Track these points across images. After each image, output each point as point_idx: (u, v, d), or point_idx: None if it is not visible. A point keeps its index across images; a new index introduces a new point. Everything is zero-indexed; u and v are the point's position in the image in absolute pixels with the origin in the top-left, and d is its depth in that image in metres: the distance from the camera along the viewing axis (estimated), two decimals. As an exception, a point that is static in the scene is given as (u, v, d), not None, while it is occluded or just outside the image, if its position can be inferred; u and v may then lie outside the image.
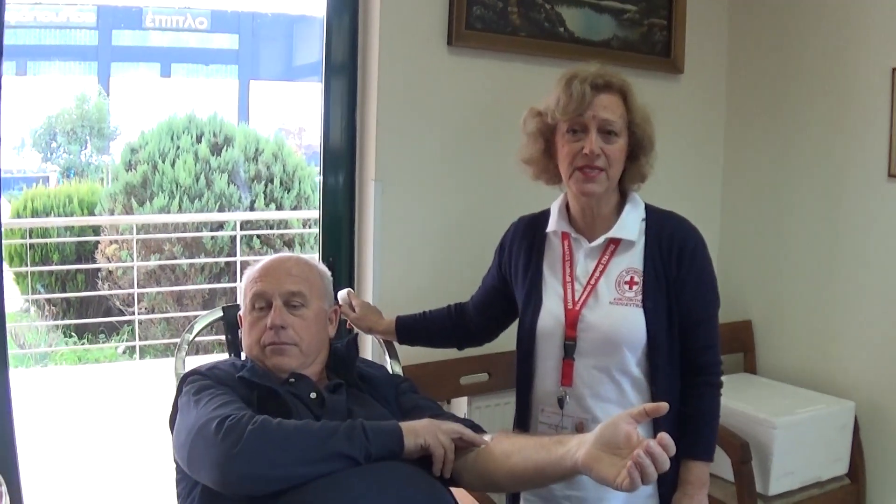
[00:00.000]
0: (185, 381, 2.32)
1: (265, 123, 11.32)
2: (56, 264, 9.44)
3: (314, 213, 9.03)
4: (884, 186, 3.79)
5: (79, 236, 9.43)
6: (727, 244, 4.50)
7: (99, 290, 9.39)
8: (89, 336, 9.26)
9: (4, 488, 2.71)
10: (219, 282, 9.01)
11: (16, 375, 3.31)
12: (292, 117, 12.85)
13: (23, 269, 9.23)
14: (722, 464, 3.58)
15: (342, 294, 2.92)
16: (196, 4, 15.50)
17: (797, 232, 4.20)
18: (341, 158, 3.60)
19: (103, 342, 9.23)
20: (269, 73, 15.45)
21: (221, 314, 2.79)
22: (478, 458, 2.25)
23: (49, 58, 14.92)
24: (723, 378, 2.59)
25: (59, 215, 9.75)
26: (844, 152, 3.96)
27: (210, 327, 2.85)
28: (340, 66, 3.55)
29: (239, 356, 2.71)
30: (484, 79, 3.69)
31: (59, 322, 9.30)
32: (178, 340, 2.76)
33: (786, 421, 3.62)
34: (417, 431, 2.19)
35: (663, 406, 1.93)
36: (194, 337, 2.76)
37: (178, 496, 2.25)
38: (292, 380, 2.35)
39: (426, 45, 3.56)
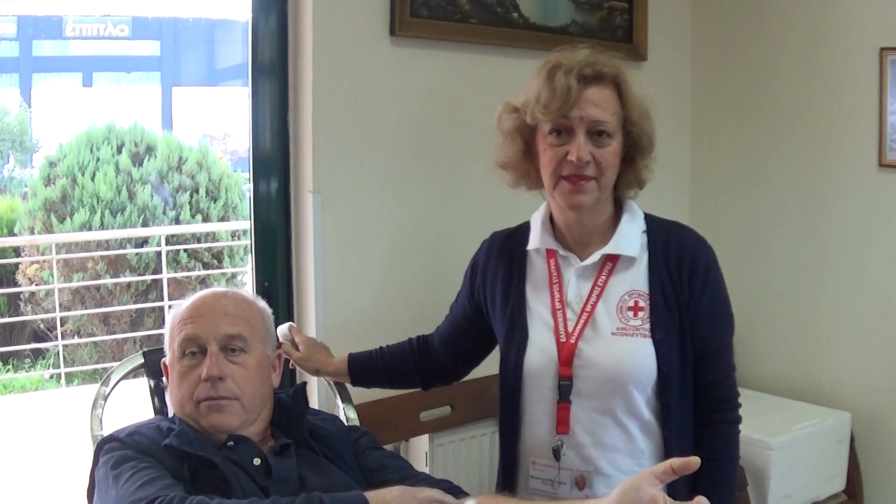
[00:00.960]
0: (101, 449, 1.99)
1: (189, 130, 11.53)
2: (-27, 288, 9.32)
3: (243, 224, 8.98)
4: (874, 177, 3.68)
5: None
6: None
7: (21, 313, 9.22)
8: (14, 362, 9.04)
9: None
10: (146, 300, 8.94)
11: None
12: (216, 123, 13.00)
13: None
14: None
15: (283, 329, 2.63)
16: (116, 11, 15.60)
17: (776, 228, 4.08)
18: (273, 166, 3.34)
19: (29, 369, 9.03)
20: (191, 78, 15.70)
21: (142, 360, 2.46)
22: None
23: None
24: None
25: (-24, 235, 9.69)
26: (828, 140, 3.84)
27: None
28: (269, 67, 3.32)
29: (164, 404, 2.38)
30: (433, 72, 3.46)
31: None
32: (107, 365, 2.43)
33: (782, 441, 3.46)
34: (388, 503, 1.87)
35: (694, 461, 1.67)
36: (111, 391, 2.43)
37: None
38: (231, 443, 2.03)
39: (366, 38, 3.30)
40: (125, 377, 2.47)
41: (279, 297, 3.25)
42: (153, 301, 8.81)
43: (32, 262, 9.14)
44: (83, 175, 9.04)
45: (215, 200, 9.42)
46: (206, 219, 9.34)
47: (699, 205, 4.33)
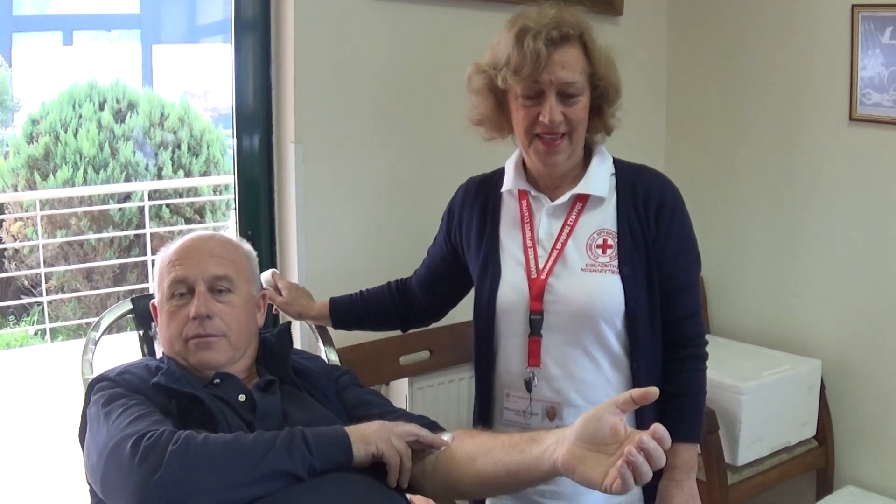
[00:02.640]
0: (92, 388, 2.08)
1: (169, 87, 11.36)
2: (-41, 245, 9.33)
3: (225, 179, 9.07)
4: (845, 131, 3.75)
5: None
6: None
7: (6, 270, 9.26)
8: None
9: None
10: (128, 255, 8.95)
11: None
12: (197, 80, 12.84)
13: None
14: None
15: (266, 276, 2.72)
16: (96, -31, 15.48)
17: (750, 180, 4.15)
18: (256, 120, 3.41)
19: (13, 325, 9.12)
20: (171, 36, 15.44)
21: (130, 306, 2.55)
22: (438, 463, 2.07)
23: (-54, 30, 14.75)
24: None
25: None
26: (801, 95, 3.91)
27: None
28: (251, 22, 3.37)
29: (153, 353, 2.48)
30: (412, 26, 3.52)
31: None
32: (91, 320, 2.51)
33: (752, 386, 3.56)
34: (368, 437, 1.99)
35: (653, 391, 1.75)
36: (101, 336, 2.51)
37: None
38: (217, 380, 2.12)
39: None
40: (114, 323, 2.54)
41: (262, 246, 3.31)
42: (136, 256, 8.83)
43: (16, 220, 9.15)
44: (66, 132, 9.04)
45: (197, 156, 9.44)
46: (188, 174, 9.36)
47: (674, 157, 4.39)
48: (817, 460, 3.85)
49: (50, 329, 8.41)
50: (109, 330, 2.50)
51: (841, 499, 3.72)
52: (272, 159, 3.42)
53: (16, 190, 9.11)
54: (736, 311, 4.26)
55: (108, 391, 2.01)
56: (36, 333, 8.88)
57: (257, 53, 3.37)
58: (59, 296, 8.83)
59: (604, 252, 2.36)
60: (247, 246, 2.38)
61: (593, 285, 2.34)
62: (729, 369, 3.65)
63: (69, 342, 8.31)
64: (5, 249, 9.24)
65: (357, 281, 2.88)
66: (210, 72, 12.20)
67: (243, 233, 3.28)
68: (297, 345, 2.99)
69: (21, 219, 9.13)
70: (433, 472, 2.05)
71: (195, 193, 9.25)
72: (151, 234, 8.47)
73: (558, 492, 2.40)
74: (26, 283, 9.10)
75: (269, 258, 3.37)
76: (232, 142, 3.47)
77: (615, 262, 2.35)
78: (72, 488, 3.80)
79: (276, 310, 2.77)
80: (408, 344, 3.36)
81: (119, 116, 9.29)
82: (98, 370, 2.22)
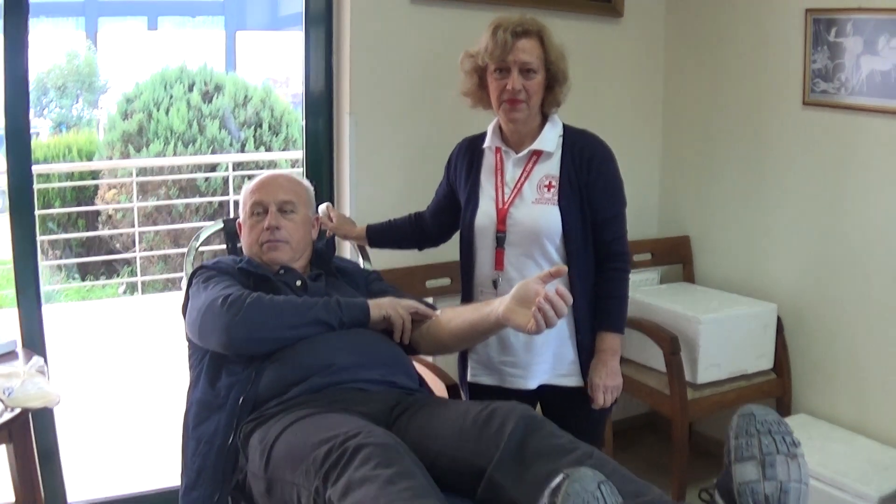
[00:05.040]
0: (194, 274, 2.79)
1: (252, 73, 11.23)
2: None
3: (300, 154, 8.91)
4: (799, 113, 4.15)
5: (79, 182, 9.58)
6: (668, 170, 4.90)
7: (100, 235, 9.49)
8: (91, 277, 9.47)
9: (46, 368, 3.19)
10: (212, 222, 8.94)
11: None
12: (278, 67, 12.68)
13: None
14: (655, 356, 4.02)
15: (322, 207, 3.32)
16: (182, -43, 15.38)
17: (728, 157, 4.56)
18: (321, 101, 3.99)
19: (104, 285, 9.43)
20: (254, 23, 15.27)
21: (223, 225, 3.22)
22: (430, 328, 2.76)
23: (37, 15, 14.24)
24: (633, 273, 3.12)
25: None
26: (766, 85, 4.30)
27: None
28: (319, 16, 3.93)
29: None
30: (442, 26, 4.04)
31: (65, 262, 9.45)
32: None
33: (710, 318, 4.03)
34: (381, 305, 2.71)
35: (562, 269, 2.43)
36: (199, 244, 3.19)
37: (191, 368, 2.73)
38: (282, 271, 2.81)
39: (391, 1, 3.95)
40: (210, 237, 3.23)
41: (323, 190, 3.88)
42: (221, 222, 8.94)
43: (110, 188, 9.44)
44: (158, 110, 9.37)
45: (277, 135, 9.71)
46: (269, 151, 9.60)
47: (670, 140, 4.88)
48: (775, 389, 4.23)
49: (141, 282, 8.65)
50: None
51: (794, 424, 3.51)
52: (332, 126, 3.99)
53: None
54: (716, 264, 4.66)
55: (206, 273, 2.75)
56: (125, 291, 9.24)
57: (323, 44, 3.94)
58: (150, 252, 9.02)
59: (549, 190, 2.98)
60: (307, 182, 3.06)
61: (539, 213, 2.96)
62: (694, 306, 4.13)
63: (156, 294, 8.72)
64: (100, 214, 9.52)
65: (390, 215, 3.44)
66: (291, 59, 12.19)
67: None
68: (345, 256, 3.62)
69: (114, 186, 9.41)
70: (426, 335, 2.77)
71: (274, 167, 9.21)
72: (234, 202, 8.32)
73: (516, 361, 3.04)
74: (118, 246, 9.42)
75: (327, 196, 3.95)
76: (301, 111, 4.02)
77: (556, 198, 2.96)
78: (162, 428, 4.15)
79: (329, 232, 3.29)
80: (433, 271, 3.96)
81: (206, 97, 9.60)
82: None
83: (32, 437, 3.05)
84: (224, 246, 3.22)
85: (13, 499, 3.09)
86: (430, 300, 3.47)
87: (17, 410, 2.84)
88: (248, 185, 2.99)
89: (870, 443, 3.89)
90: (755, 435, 1.78)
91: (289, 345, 2.56)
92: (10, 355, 3.23)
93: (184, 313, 2.77)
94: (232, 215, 8.50)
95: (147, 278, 8.82)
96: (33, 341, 3.46)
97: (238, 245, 3.09)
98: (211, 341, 2.58)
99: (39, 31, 13.07)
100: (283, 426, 2.31)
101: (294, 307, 2.60)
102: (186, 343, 2.78)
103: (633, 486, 2.00)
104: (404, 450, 2.09)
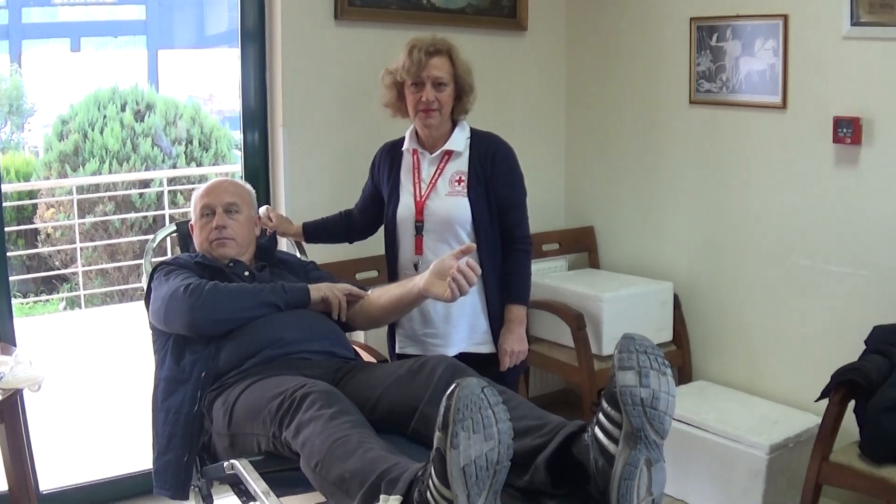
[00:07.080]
0: (156, 269, 3.09)
1: (175, 91, 11.00)
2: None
3: (232, 168, 8.94)
4: (687, 111, 4.48)
5: (17, 202, 9.49)
6: (572, 166, 5.23)
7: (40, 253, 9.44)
8: (32, 294, 9.48)
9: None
10: (149, 235, 8.64)
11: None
12: (201, 84, 12.23)
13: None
14: (564, 333, 4.34)
15: (262, 210, 3.56)
16: (103, -22, 15.18)
17: (626, 153, 4.84)
18: (257, 114, 4.26)
19: (45, 302, 9.45)
20: (177, 41, 14.46)
21: (175, 228, 3.50)
22: (362, 306, 3.12)
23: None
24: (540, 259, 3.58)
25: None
26: (657, 86, 4.61)
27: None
28: (253, 35, 4.18)
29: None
30: (364, 44, 4.29)
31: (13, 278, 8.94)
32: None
33: (611, 296, 4.37)
34: (320, 288, 3.07)
35: (472, 246, 2.80)
36: (156, 244, 3.51)
37: (155, 352, 3.04)
38: (231, 264, 3.14)
39: (318, 19, 4.20)
40: (164, 238, 3.54)
41: (261, 193, 4.01)
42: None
43: (49, 207, 9.44)
44: (93, 130, 9.37)
45: (207, 150, 9.80)
46: (199, 166, 9.64)
47: (573, 138, 5.15)
48: (675, 359, 4.47)
49: (83, 297, 8.64)
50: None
51: (693, 388, 4.38)
52: (267, 137, 4.28)
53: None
54: (618, 251, 4.95)
55: (166, 268, 3.06)
56: (65, 307, 9.24)
57: (256, 60, 4.20)
58: (90, 267, 8.99)
59: (459, 184, 3.34)
60: (249, 186, 3.38)
61: (452, 204, 3.32)
62: (597, 287, 4.48)
63: (96, 308, 8.79)
64: (38, 234, 9.47)
65: (322, 213, 3.73)
66: (214, 77, 12.10)
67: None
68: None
69: (53, 205, 9.40)
70: (359, 312, 3.13)
71: (206, 181, 9.02)
72: (169, 216, 8.68)
73: (436, 332, 3.37)
74: (57, 263, 9.44)
75: (265, 200, 4.17)
76: (240, 123, 4.25)
77: (465, 190, 3.32)
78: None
79: (269, 231, 3.52)
80: (362, 265, 4.20)
81: (139, 116, 9.61)
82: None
83: (21, 417, 3.33)
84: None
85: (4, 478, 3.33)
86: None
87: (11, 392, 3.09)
88: (197, 191, 3.29)
89: (762, 401, 4.19)
90: (634, 352, 2.03)
91: (243, 324, 2.90)
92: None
93: (147, 304, 3.08)
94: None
95: (90, 292, 8.84)
96: (7, 339, 3.75)
97: (191, 245, 3.37)
98: (175, 324, 2.90)
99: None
100: (242, 389, 2.69)
101: (246, 292, 2.94)
102: (150, 331, 3.08)
103: (536, 412, 2.43)
104: (343, 396, 2.48)
